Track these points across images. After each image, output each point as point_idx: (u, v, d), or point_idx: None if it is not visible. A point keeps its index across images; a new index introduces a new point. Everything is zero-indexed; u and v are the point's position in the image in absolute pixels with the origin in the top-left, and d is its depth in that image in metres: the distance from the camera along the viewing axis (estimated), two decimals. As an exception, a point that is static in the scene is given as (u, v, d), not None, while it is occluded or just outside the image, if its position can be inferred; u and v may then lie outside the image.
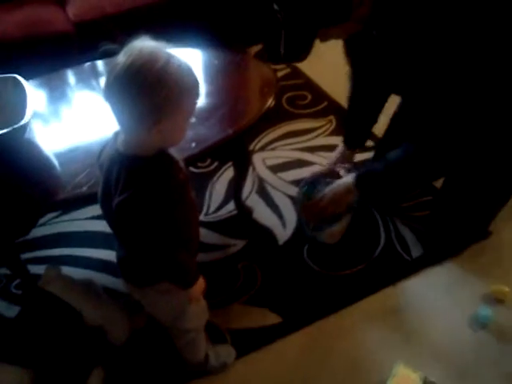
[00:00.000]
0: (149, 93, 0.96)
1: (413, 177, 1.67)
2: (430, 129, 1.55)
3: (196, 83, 1.03)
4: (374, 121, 2.02)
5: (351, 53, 1.82)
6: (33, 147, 1.57)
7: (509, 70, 1.42)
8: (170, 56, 0.97)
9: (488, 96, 1.45)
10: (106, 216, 1.19)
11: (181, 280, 1.21)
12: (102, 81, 2.00)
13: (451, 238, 1.90)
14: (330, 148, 2.33)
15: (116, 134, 1.10)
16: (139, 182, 1.03)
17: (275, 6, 1.38)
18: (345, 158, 2.05)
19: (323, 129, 2.49)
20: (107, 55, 2.00)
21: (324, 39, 1.47)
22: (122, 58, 0.96)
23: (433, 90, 1.46)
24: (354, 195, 1.75)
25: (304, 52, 1.47)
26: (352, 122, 2.05)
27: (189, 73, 1.01)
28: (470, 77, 1.40)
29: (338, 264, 1.87)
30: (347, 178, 1.75)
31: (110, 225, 1.19)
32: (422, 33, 1.38)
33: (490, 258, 1.89)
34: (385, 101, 1.95)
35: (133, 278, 1.27)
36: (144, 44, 0.98)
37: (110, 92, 0.98)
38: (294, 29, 1.40)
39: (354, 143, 2.07)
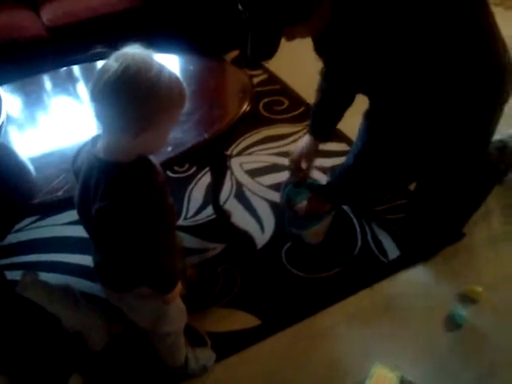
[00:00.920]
0: (140, 101, 0.96)
1: (368, 177, 1.68)
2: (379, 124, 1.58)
3: (184, 93, 1.03)
4: (341, 116, 1.96)
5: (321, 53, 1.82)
6: (7, 152, 1.56)
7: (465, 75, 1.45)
8: (161, 66, 0.98)
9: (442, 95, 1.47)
10: (83, 221, 1.18)
11: (160, 285, 1.21)
12: (78, 86, 2.00)
13: (426, 241, 1.93)
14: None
15: (94, 139, 1.09)
16: (119, 189, 1.02)
17: (240, 7, 1.40)
18: (310, 150, 1.96)
19: (300, 134, 2.51)
20: (98, 58, 1.99)
21: (290, 38, 1.48)
22: (113, 63, 0.95)
23: (390, 89, 1.50)
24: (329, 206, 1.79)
25: (271, 51, 1.47)
26: (320, 116, 1.96)
27: (178, 83, 1.01)
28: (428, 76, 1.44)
29: (315, 267, 1.89)
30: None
31: (88, 230, 1.19)
32: (380, 34, 1.40)
33: (463, 259, 1.92)
34: (352, 98, 1.91)
35: (111, 283, 1.26)
36: (136, 51, 0.98)
37: (99, 95, 0.97)
38: (259, 28, 1.42)
39: (320, 135, 1.98)
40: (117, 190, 1.02)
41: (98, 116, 1.00)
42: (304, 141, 1.97)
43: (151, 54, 0.99)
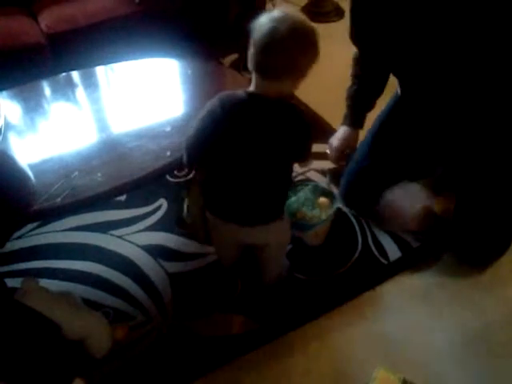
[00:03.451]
0: (311, 50, 1.27)
1: None
2: None
3: None
4: (381, 93, 1.99)
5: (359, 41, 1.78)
6: (6, 158, 1.55)
7: None
8: (309, 20, 1.28)
9: None
10: (245, 165, 1.39)
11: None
12: (77, 92, 2.00)
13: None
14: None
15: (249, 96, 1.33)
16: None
17: None
18: (350, 141, 2.02)
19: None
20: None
21: None
22: (278, 24, 1.21)
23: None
24: None
25: None
26: (360, 99, 1.98)
27: None
28: None
29: (316, 270, 1.88)
30: None
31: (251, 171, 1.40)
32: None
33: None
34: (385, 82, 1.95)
35: (272, 216, 1.50)
36: (290, 11, 1.27)
37: (275, 52, 1.22)
38: None
39: (360, 121, 2.03)
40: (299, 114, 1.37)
41: (270, 68, 1.25)
42: (343, 131, 2.02)
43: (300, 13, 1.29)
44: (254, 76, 1.30)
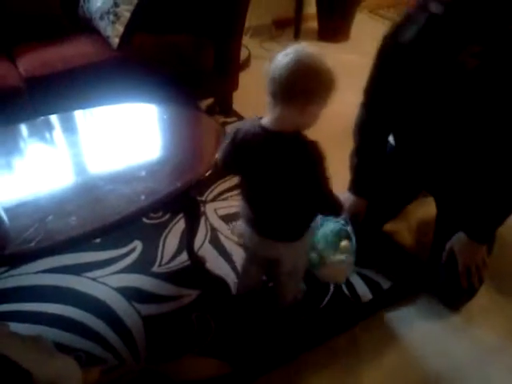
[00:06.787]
0: (313, 78, 1.29)
1: None
2: None
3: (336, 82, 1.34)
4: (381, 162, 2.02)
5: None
6: (-19, 202, 1.57)
7: None
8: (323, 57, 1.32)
9: None
10: (255, 190, 1.52)
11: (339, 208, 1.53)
12: (55, 134, 2.02)
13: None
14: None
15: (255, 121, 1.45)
16: (309, 148, 1.38)
17: None
18: (357, 208, 2.02)
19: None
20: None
21: None
22: (285, 57, 1.30)
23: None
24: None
25: None
26: (365, 168, 2.01)
27: (333, 72, 1.33)
28: None
29: (288, 312, 1.89)
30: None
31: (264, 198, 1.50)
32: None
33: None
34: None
35: (294, 235, 1.58)
36: (298, 46, 1.33)
37: (284, 79, 1.29)
38: None
39: (366, 189, 2.04)
40: (308, 149, 1.37)
41: (280, 95, 1.32)
42: (351, 199, 2.02)
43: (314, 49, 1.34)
44: (268, 105, 1.38)
